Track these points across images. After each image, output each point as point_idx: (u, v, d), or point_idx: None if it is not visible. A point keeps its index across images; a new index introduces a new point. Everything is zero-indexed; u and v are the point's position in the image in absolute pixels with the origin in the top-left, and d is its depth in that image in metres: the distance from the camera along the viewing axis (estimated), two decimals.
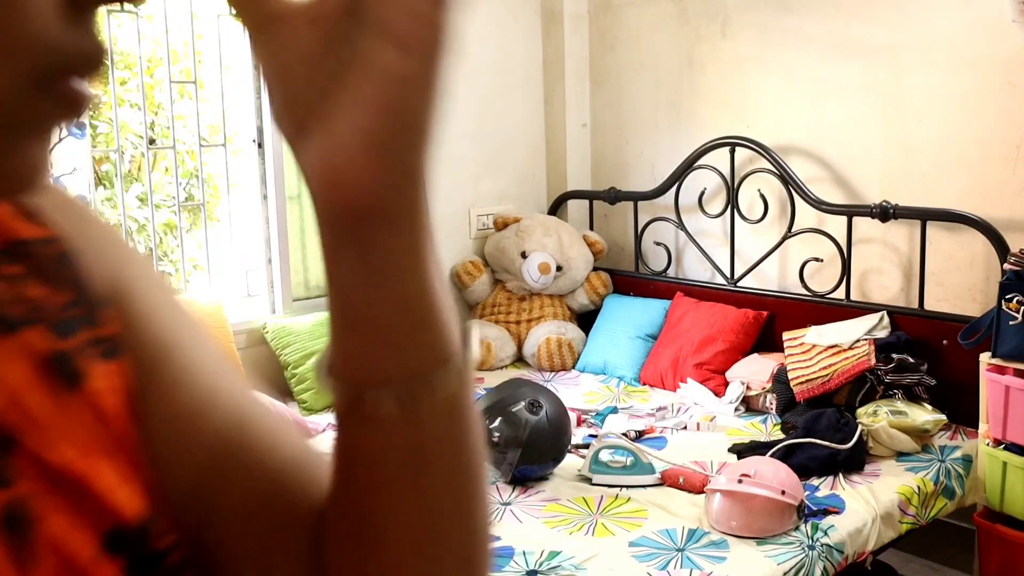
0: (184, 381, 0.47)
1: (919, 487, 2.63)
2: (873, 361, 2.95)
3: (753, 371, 3.32)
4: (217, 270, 3.61)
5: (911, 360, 2.97)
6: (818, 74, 3.45)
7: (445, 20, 0.36)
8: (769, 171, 3.52)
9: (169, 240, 4.19)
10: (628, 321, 3.82)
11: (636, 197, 4.03)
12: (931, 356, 3.04)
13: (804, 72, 3.49)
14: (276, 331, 3.50)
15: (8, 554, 0.37)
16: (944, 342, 3.03)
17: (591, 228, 4.29)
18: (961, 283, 3.15)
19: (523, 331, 4.01)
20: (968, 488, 2.79)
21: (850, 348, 3.04)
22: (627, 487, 2.62)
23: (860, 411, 2.88)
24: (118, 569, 0.41)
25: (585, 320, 4.09)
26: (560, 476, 2.72)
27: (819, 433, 2.73)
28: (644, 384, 3.62)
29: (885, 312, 3.18)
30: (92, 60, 0.35)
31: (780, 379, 3.14)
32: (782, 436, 2.89)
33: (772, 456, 2.63)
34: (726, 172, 3.67)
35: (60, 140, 2.96)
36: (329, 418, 3.30)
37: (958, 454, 2.82)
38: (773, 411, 3.20)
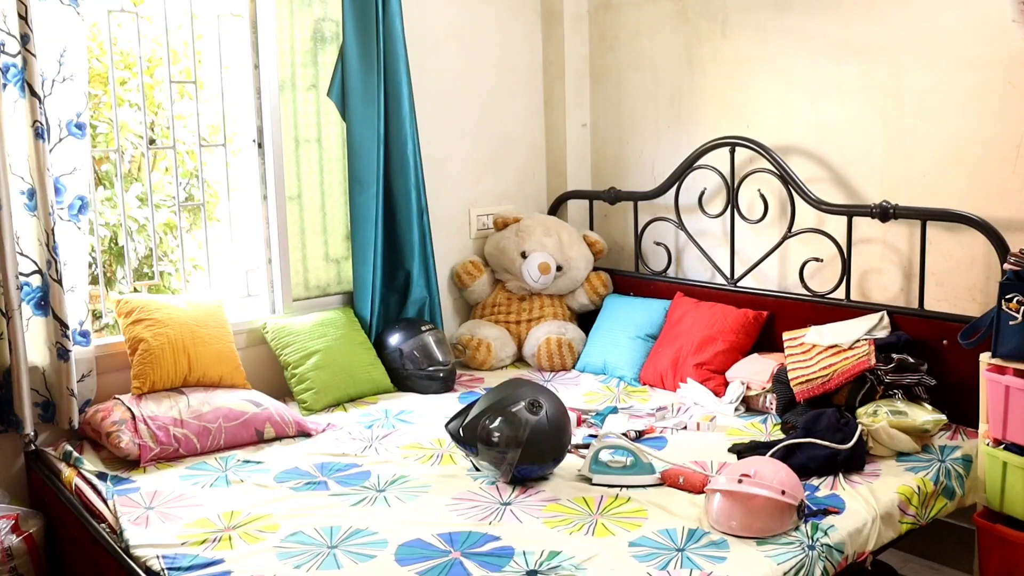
0: None
1: (919, 487, 2.63)
2: (873, 361, 2.95)
3: (753, 371, 3.32)
4: (217, 270, 3.61)
5: (911, 360, 2.97)
6: (818, 74, 3.45)
7: None
8: (769, 171, 3.52)
9: (169, 240, 4.19)
10: (628, 321, 3.82)
11: (636, 197, 4.03)
12: (931, 356, 3.04)
13: (804, 72, 3.49)
14: (276, 331, 3.50)
15: None
16: (944, 342, 3.03)
17: (591, 228, 4.29)
18: (961, 283, 3.15)
19: (523, 331, 4.01)
20: (968, 488, 2.79)
21: (850, 348, 3.04)
22: (627, 487, 2.62)
23: (860, 411, 2.88)
24: None
25: (585, 320, 4.09)
26: (560, 476, 2.72)
27: (819, 433, 2.74)
28: (644, 384, 3.62)
29: (885, 312, 3.18)
30: None
31: (780, 379, 3.15)
32: (782, 436, 2.89)
33: (772, 456, 2.63)
34: (726, 172, 3.67)
35: (60, 140, 2.96)
36: (329, 418, 3.30)
37: (958, 454, 2.82)
38: (773, 411, 3.20)
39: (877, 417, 2.81)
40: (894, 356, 2.97)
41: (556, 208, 4.34)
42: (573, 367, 3.88)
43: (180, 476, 2.79)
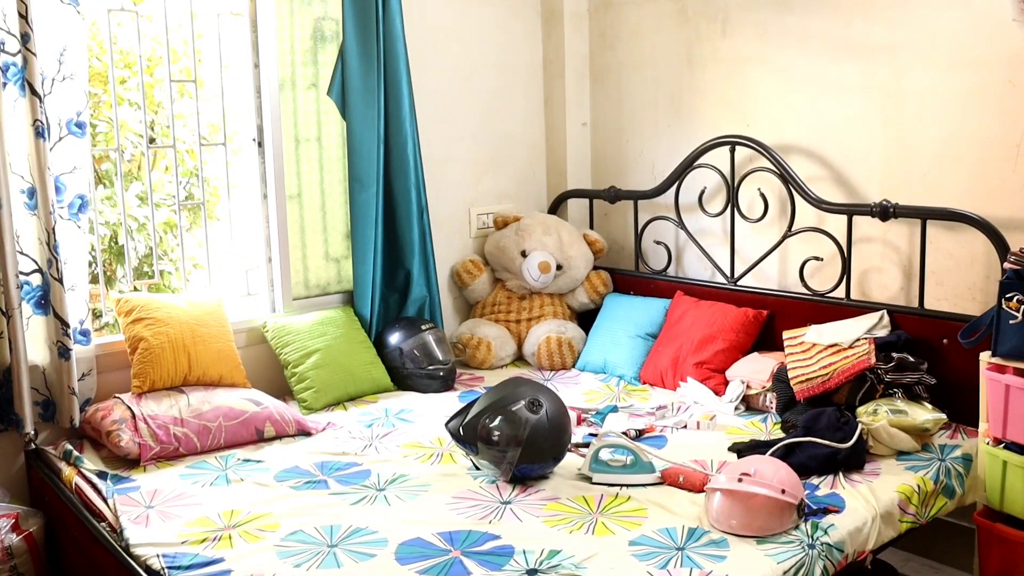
0: None
1: (919, 486, 2.63)
2: (873, 360, 2.95)
3: (753, 370, 3.32)
4: (217, 269, 3.61)
5: (911, 359, 2.97)
6: (818, 73, 3.45)
7: None
8: (769, 170, 3.52)
9: (169, 239, 4.19)
10: (628, 320, 3.82)
11: (636, 196, 4.03)
12: (931, 355, 3.04)
13: (804, 71, 3.49)
14: (276, 330, 3.50)
15: None
16: (944, 341, 3.03)
17: (591, 227, 4.29)
18: (961, 282, 3.15)
19: (523, 330, 4.01)
20: (968, 487, 2.79)
21: (850, 347, 3.04)
22: (627, 486, 2.62)
23: (860, 410, 2.88)
24: None
25: (585, 319, 4.09)
26: (560, 475, 2.72)
27: (819, 432, 2.74)
28: (644, 383, 3.62)
29: (885, 311, 3.18)
30: None
31: (780, 378, 3.15)
32: (782, 435, 2.89)
33: (772, 455, 2.63)
34: (726, 171, 3.67)
35: (60, 139, 2.96)
36: (329, 417, 3.30)
37: (958, 453, 2.82)
38: (773, 410, 3.20)
39: (877, 416, 2.81)
40: (894, 355, 2.97)
41: (556, 207, 4.34)
42: (573, 366, 3.88)
43: (180, 475, 2.80)
